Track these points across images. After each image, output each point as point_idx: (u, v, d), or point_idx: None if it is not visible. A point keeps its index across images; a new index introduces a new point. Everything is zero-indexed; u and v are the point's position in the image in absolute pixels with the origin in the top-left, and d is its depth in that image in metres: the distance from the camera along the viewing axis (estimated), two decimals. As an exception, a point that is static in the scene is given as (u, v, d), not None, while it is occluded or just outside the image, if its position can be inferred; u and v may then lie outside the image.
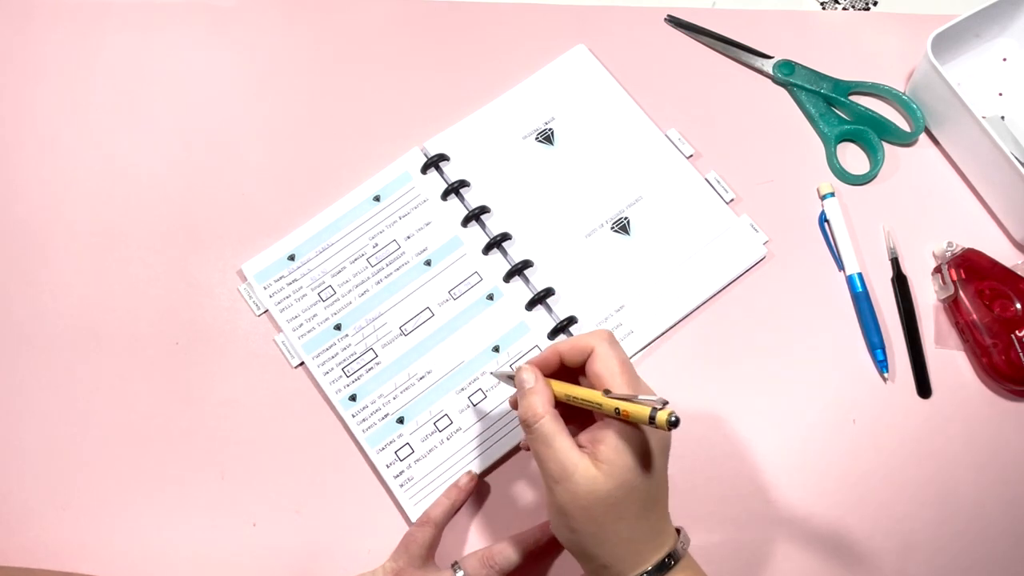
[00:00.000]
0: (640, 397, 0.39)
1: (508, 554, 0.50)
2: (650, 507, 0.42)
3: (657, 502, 0.42)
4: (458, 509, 0.53)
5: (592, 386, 0.42)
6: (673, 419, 0.37)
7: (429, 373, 0.56)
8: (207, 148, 0.62)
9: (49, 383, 0.57)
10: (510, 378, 0.48)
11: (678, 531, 0.43)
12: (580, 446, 0.41)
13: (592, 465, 0.40)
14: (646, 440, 0.41)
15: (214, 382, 0.57)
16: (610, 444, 0.40)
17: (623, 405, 0.39)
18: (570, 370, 0.44)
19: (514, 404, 0.49)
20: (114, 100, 0.64)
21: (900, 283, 0.57)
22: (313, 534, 0.54)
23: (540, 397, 0.42)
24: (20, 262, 0.60)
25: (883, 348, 0.55)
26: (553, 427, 0.41)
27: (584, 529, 0.41)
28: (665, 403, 0.38)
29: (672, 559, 0.42)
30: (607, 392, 0.40)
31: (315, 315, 0.57)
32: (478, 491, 0.54)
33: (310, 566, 0.53)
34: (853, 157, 0.61)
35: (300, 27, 0.66)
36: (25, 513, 0.54)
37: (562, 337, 0.56)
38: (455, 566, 0.50)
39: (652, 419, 0.38)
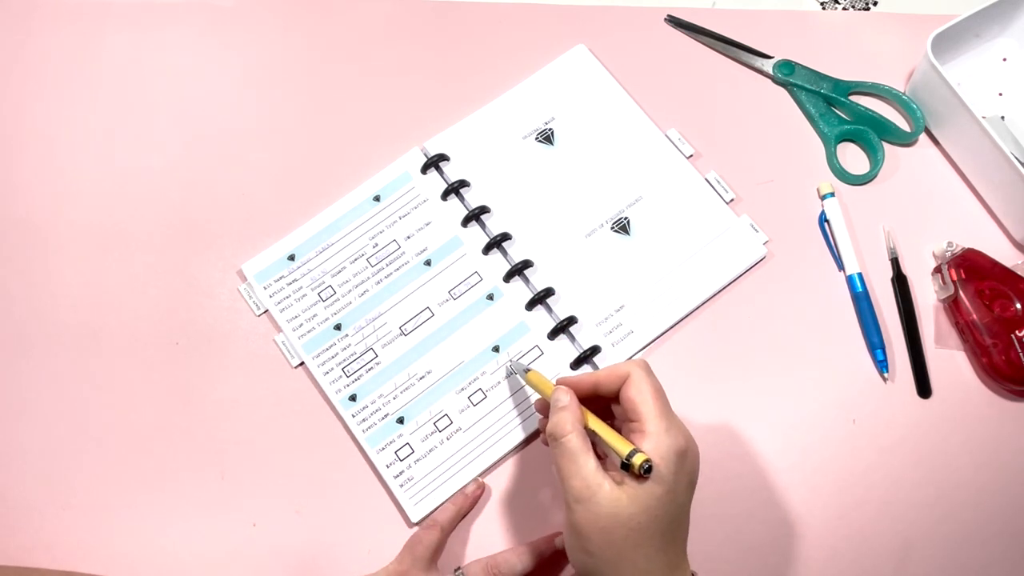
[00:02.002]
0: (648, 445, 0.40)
1: (513, 563, 0.49)
2: (670, 541, 0.41)
3: (677, 537, 0.41)
4: (464, 516, 0.53)
5: (625, 413, 0.42)
6: (646, 466, 0.39)
7: (429, 373, 0.56)
8: (207, 148, 0.62)
9: (49, 383, 0.57)
10: (520, 373, 0.50)
11: (693, 575, 0.42)
12: (606, 470, 0.41)
13: (616, 487, 0.39)
14: (673, 472, 0.40)
15: (214, 382, 0.57)
16: None
17: (607, 436, 0.41)
18: (602, 401, 0.44)
19: (540, 409, 0.50)
20: (114, 100, 0.64)
21: (900, 283, 0.57)
22: (313, 534, 0.54)
23: (571, 415, 0.42)
24: (20, 262, 0.60)
25: (883, 348, 0.55)
26: (580, 444, 0.41)
27: (601, 553, 0.40)
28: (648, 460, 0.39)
29: None
30: (589, 428, 0.42)
31: (315, 315, 0.57)
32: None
33: (310, 566, 0.53)
34: (853, 157, 0.61)
35: (300, 26, 0.66)
36: (25, 513, 0.54)
37: (562, 338, 0.56)
38: (458, 571, 0.49)
39: (629, 458, 0.39)
